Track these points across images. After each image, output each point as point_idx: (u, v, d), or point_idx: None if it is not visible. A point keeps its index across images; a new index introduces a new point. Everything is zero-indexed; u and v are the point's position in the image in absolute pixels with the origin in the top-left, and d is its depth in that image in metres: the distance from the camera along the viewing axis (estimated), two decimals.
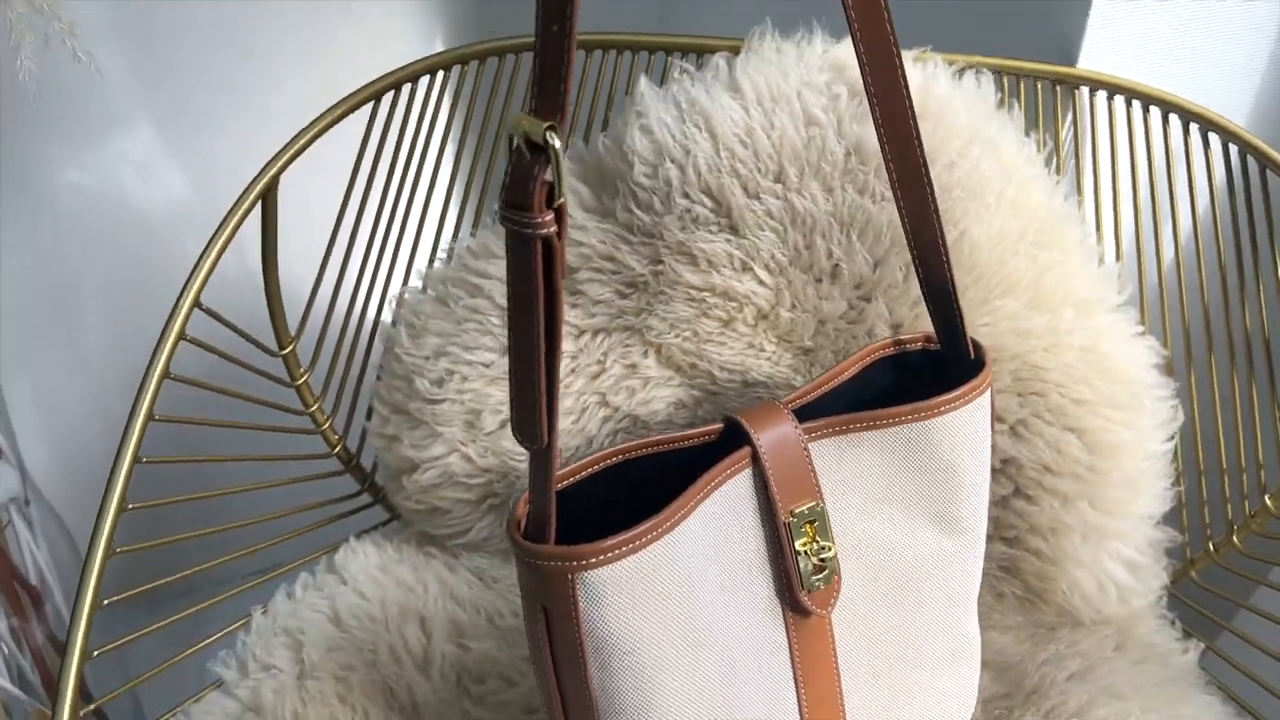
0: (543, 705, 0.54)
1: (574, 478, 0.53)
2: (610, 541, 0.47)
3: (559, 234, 0.38)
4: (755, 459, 0.53)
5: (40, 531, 1.05)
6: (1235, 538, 0.79)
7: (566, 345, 0.78)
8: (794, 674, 0.56)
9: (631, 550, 0.48)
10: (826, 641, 0.57)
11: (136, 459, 0.68)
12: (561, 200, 0.38)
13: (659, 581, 0.49)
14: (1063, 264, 0.74)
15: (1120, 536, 0.74)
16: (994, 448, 0.73)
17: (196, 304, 0.72)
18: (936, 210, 0.57)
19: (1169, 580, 0.80)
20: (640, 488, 0.53)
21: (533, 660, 0.52)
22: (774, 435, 0.53)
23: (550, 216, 0.37)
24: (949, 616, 0.61)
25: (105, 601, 0.65)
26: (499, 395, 0.78)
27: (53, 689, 0.79)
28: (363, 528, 0.88)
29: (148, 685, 0.70)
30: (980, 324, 0.72)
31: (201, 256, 0.72)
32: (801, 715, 0.57)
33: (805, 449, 0.54)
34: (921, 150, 0.56)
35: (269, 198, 0.76)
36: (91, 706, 0.65)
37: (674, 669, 0.50)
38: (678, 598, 0.49)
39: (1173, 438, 0.75)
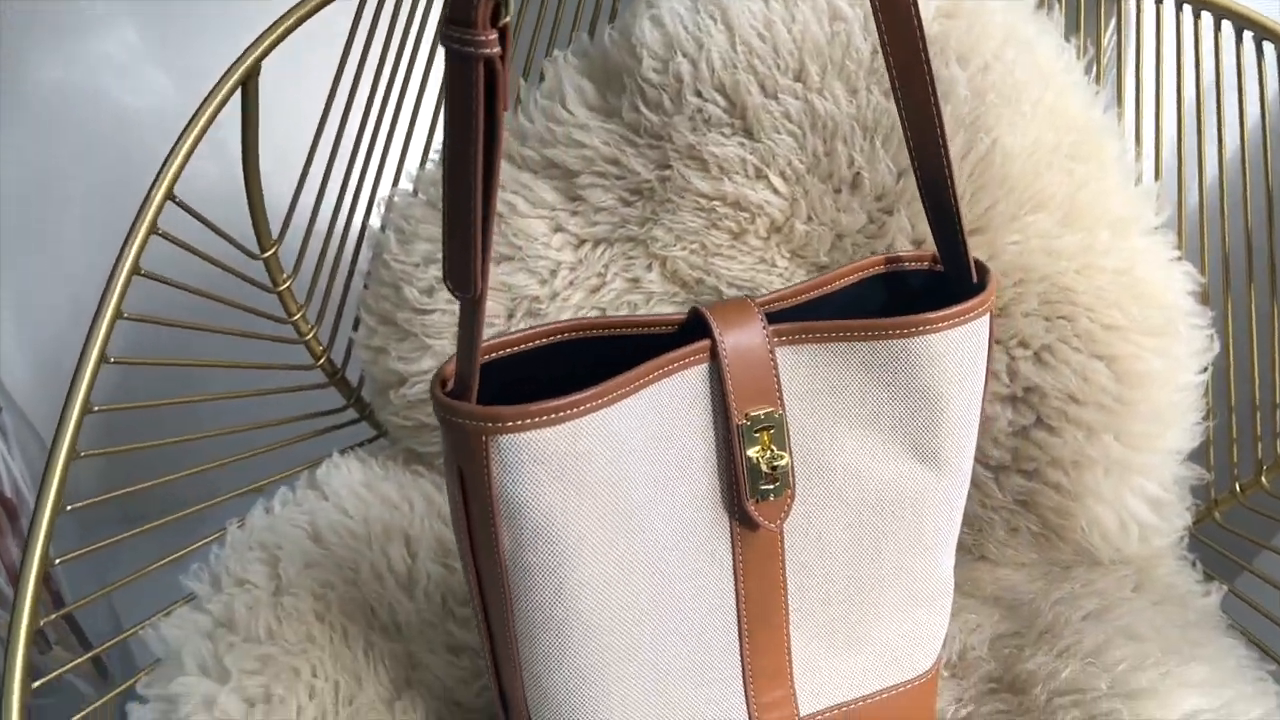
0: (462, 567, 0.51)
1: (520, 346, 0.50)
2: (534, 407, 0.43)
3: (502, 57, 0.34)
4: (714, 354, 0.48)
5: (14, 442, 1.01)
6: (1264, 478, 0.75)
7: (565, 256, 0.73)
8: (735, 589, 0.52)
9: (556, 420, 0.44)
10: (775, 560, 0.53)
11: (103, 358, 0.63)
12: (507, 20, 0.34)
13: (586, 460, 0.45)
14: (1100, 180, 0.69)
15: (1145, 472, 0.70)
16: (1015, 374, 0.69)
17: (170, 196, 0.67)
18: (937, 105, 0.51)
19: (1192, 520, 0.76)
20: (595, 374, 0.48)
21: (453, 529, 0.49)
22: (740, 333, 0.49)
23: (494, 35, 0.34)
24: (916, 555, 0.56)
25: (69, 507, 0.61)
26: (491, 307, 0.73)
27: None
28: (347, 445, 0.84)
29: (131, 606, 0.66)
30: (1009, 242, 0.68)
31: (176, 144, 0.67)
32: (740, 629, 0.53)
33: (771, 352, 0.49)
34: (922, 34, 0.49)
35: (249, 86, 0.71)
36: (53, 615, 0.61)
37: (595, 554, 0.46)
38: (606, 481, 0.46)
39: (1206, 369, 0.71)
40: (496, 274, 0.73)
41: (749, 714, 0.56)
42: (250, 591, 0.66)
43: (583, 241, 0.73)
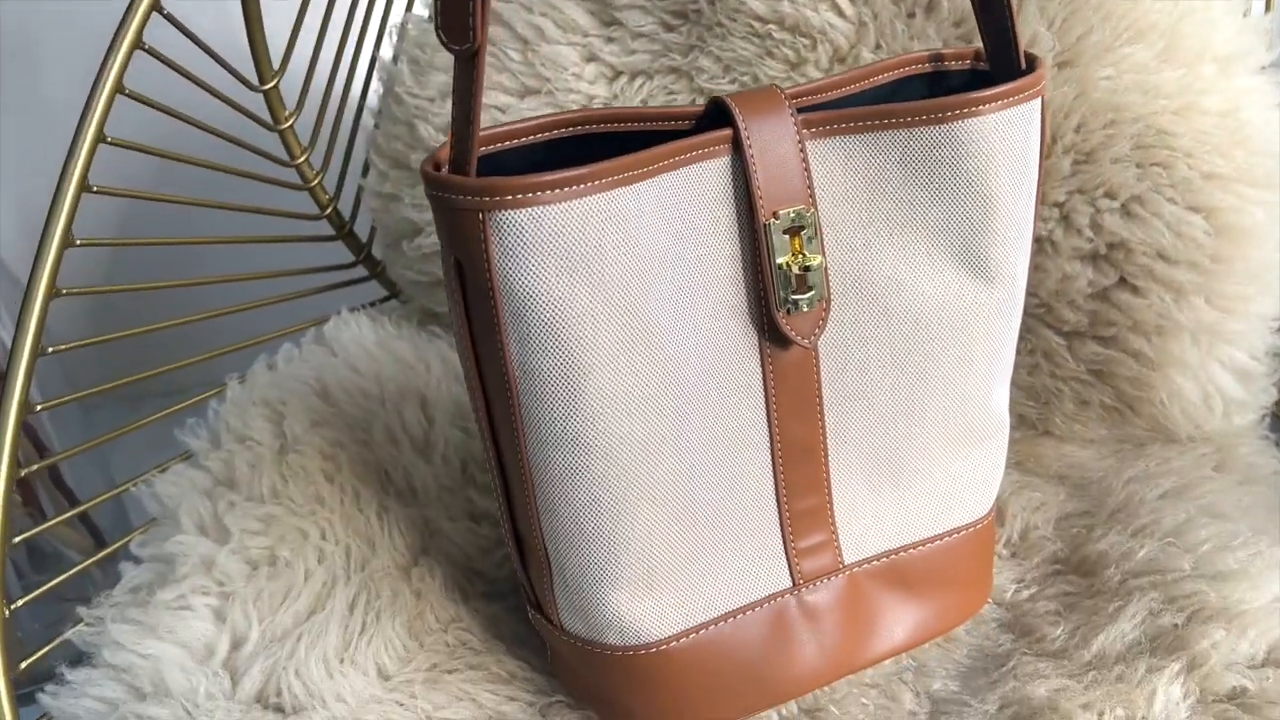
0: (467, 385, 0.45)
1: (524, 139, 0.44)
2: (536, 178, 0.37)
3: None
4: (738, 145, 0.42)
5: (4, 308, 0.96)
6: None
7: (599, 89, 0.65)
8: (768, 418, 0.47)
9: (563, 196, 0.38)
10: (811, 384, 0.47)
11: (84, 186, 0.56)
12: None
13: (596, 250, 0.39)
14: (1205, 10, 0.61)
15: (1235, 340, 0.64)
16: (1100, 228, 0.63)
17: (156, 7, 0.59)
18: None
19: (1278, 397, 0.70)
20: None
21: (454, 337, 0.43)
22: (766, 122, 0.43)
23: None
24: (967, 381, 0.50)
25: (50, 349, 0.55)
26: None
27: None
28: (356, 305, 0.78)
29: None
30: (1101, 77, 0.60)
31: None
32: (774, 464, 0.48)
33: (801, 145, 0.43)
34: None
35: None
36: (36, 465, 0.55)
37: (610, 363, 0.41)
38: (620, 278, 0.40)
39: None
40: (520, 107, 0.65)
41: (787, 561, 0.51)
42: (253, 448, 0.60)
43: (619, 73, 0.65)
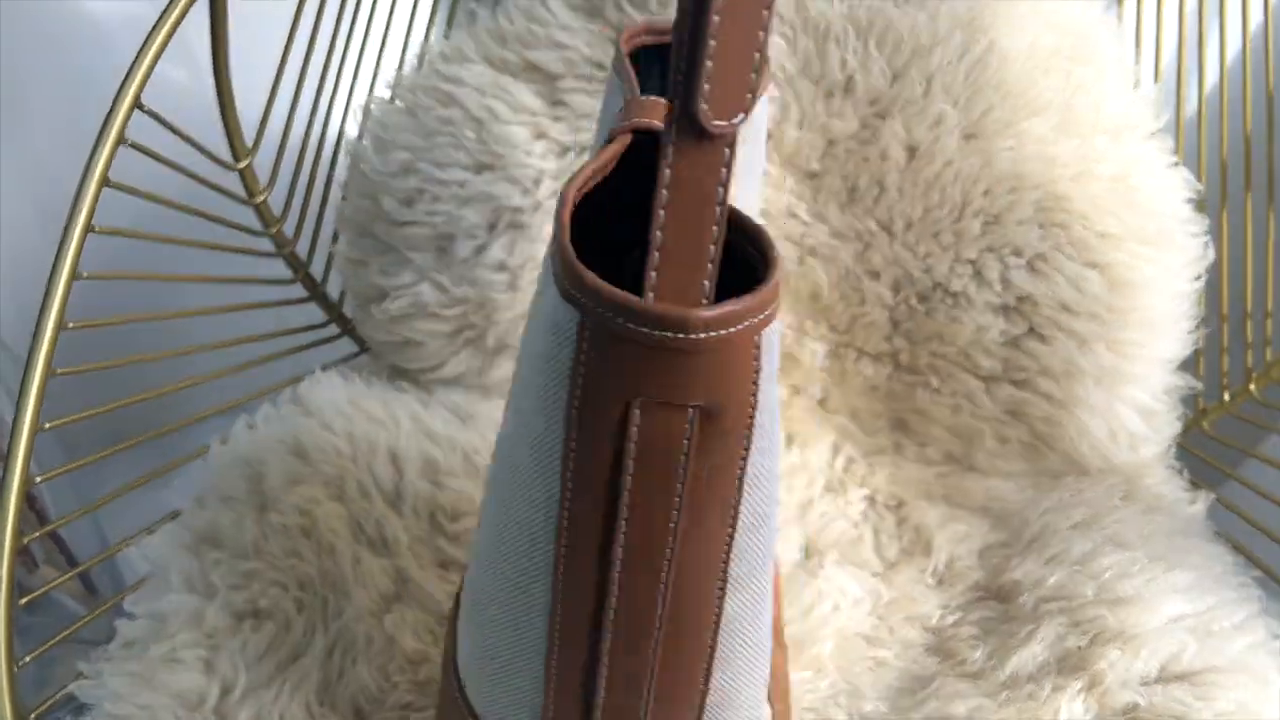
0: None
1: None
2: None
3: None
4: None
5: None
6: (1253, 385, 0.75)
7: (549, 164, 0.71)
8: None
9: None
10: None
11: (75, 273, 0.61)
12: None
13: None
14: (1098, 84, 0.67)
15: (1136, 381, 0.70)
16: (1008, 283, 0.69)
17: (138, 104, 0.64)
18: None
19: (1181, 430, 0.76)
20: None
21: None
22: None
23: None
24: None
25: (47, 425, 0.60)
26: (473, 218, 0.71)
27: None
28: (330, 362, 0.83)
29: (118, 529, 0.66)
30: (1004, 148, 0.66)
31: (142, 49, 0.64)
32: None
33: None
34: None
35: None
36: (37, 533, 0.60)
37: None
38: None
39: (1200, 277, 0.70)
40: (476, 182, 0.71)
41: None
42: (235, 507, 0.65)
43: (566, 149, 0.71)
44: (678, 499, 0.31)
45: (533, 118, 0.70)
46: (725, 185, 0.26)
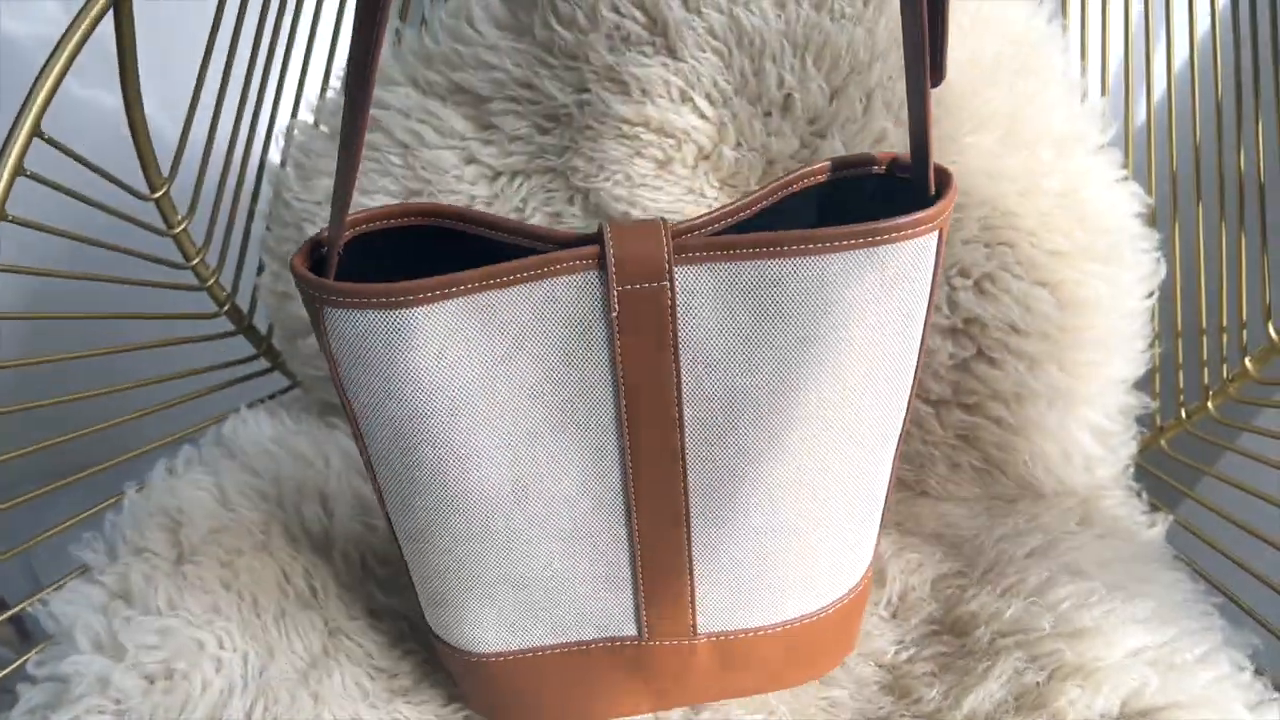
0: None
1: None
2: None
3: None
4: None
5: None
6: (1210, 403, 0.73)
7: (480, 190, 0.68)
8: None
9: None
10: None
11: None
12: None
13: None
14: (1042, 95, 0.65)
15: (1090, 402, 0.68)
16: (956, 305, 0.66)
17: (38, 132, 0.61)
18: None
19: (1138, 449, 0.74)
20: None
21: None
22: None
23: None
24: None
25: None
26: None
27: None
28: (262, 396, 0.80)
29: (53, 573, 0.62)
30: (948, 162, 0.63)
31: (40, 75, 0.61)
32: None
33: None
34: None
35: (122, 7, 0.64)
36: None
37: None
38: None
39: (1152, 294, 0.68)
40: None
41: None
42: (149, 560, 0.62)
43: (498, 174, 0.68)
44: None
45: (462, 141, 0.67)
46: None
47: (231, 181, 0.74)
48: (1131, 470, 0.74)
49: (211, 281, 0.76)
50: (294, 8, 0.71)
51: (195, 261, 0.75)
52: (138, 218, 0.70)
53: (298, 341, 0.73)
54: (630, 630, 0.54)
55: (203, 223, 0.75)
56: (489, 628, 0.53)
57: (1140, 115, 0.72)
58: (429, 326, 0.42)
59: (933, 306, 0.47)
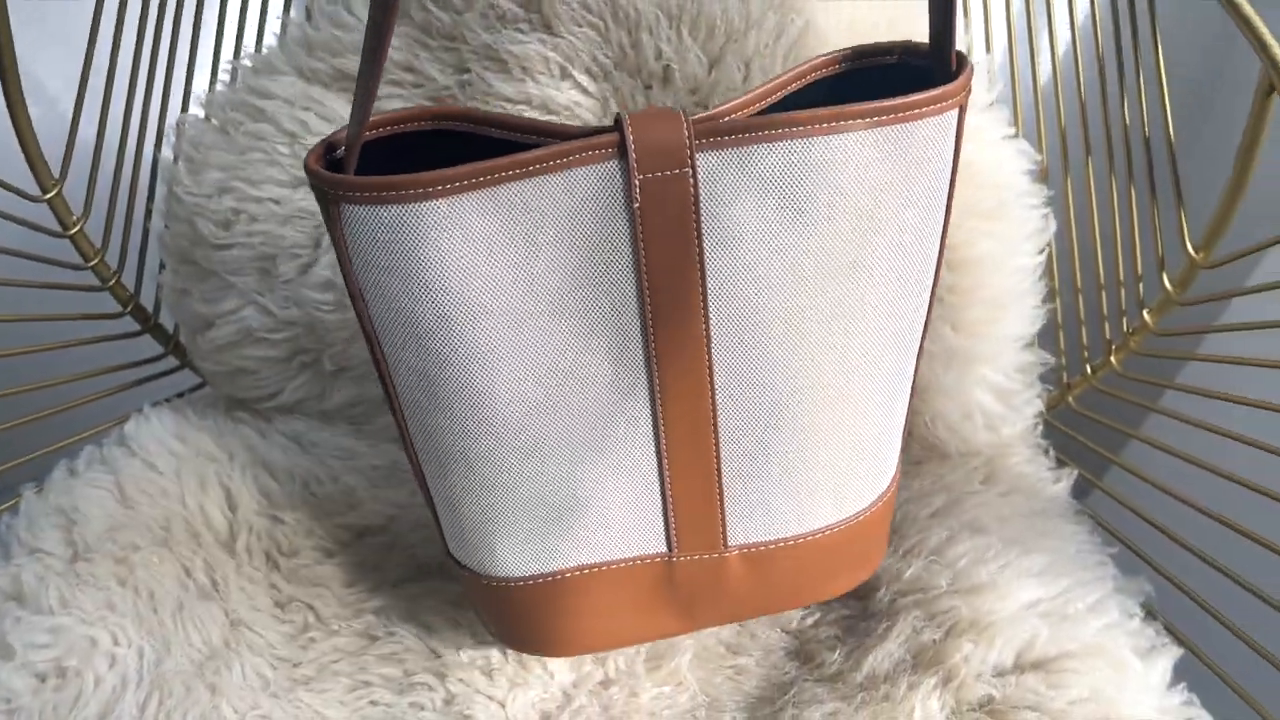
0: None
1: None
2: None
3: None
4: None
5: None
6: (1113, 358, 0.74)
7: None
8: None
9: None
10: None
11: None
12: None
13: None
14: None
15: (986, 361, 0.68)
16: None
17: None
18: None
19: (1044, 407, 0.74)
20: None
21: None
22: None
23: None
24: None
25: None
26: (293, 236, 0.68)
27: None
28: (174, 394, 0.79)
29: None
30: None
31: None
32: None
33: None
34: None
35: None
36: None
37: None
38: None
39: (1043, 250, 0.68)
40: (294, 198, 0.67)
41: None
42: (41, 560, 0.61)
43: None
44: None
45: None
46: None
47: (126, 179, 0.73)
48: (1040, 428, 0.75)
49: (113, 281, 0.76)
50: (175, 3, 0.71)
51: (95, 262, 0.74)
52: (31, 220, 0.70)
53: (197, 337, 0.72)
54: (660, 547, 0.53)
55: (100, 222, 0.74)
56: (518, 551, 0.51)
57: (1026, 72, 0.73)
58: (450, 220, 0.40)
59: (953, 192, 0.47)
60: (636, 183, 0.41)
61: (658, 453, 0.50)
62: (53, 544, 0.62)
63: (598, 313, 0.44)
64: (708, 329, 0.45)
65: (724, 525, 0.53)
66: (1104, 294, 0.73)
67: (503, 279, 0.42)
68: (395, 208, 0.40)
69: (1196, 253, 0.66)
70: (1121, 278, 0.71)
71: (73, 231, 0.73)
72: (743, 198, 0.42)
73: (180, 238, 0.70)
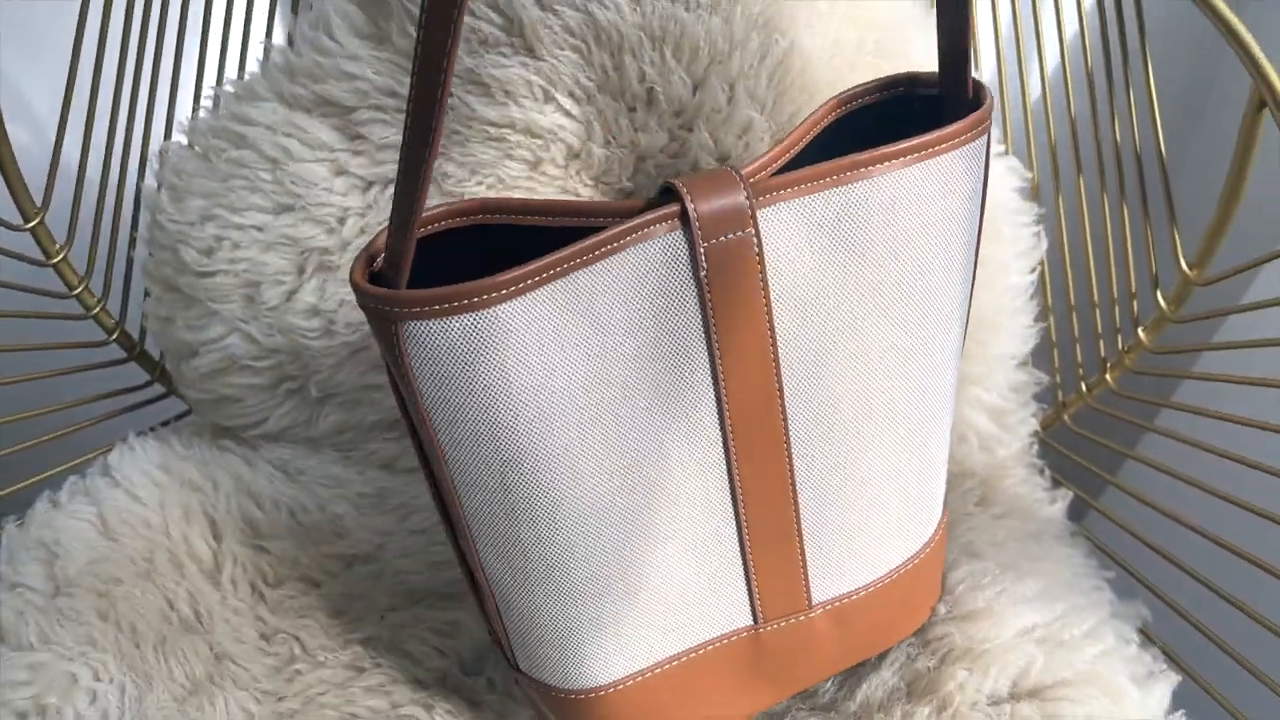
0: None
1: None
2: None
3: None
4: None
5: None
6: (1108, 376, 0.73)
7: (352, 200, 0.67)
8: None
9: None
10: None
11: None
12: None
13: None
14: (905, 71, 0.64)
15: (978, 381, 0.67)
16: None
17: None
18: None
19: (1039, 426, 0.74)
20: None
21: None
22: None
23: None
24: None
25: None
26: (277, 263, 0.67)
27: None
28: (159, 422, 0.79)
29: None
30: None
31: None
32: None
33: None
34: None
35: None
36: None
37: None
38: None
39: (1034, 269, 0.67)
40: (276, 225, 0.67)
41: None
42: (22, 595, 0.60)
43: (370, 183, 0.67)
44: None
45: (331, 154, 0.66)
46: None
47: (109, 206, 0.73)
48: (1035, 448, 0.74)
49: (98, 309, 0.75)
50: (157, 27, 0.70)
51: (79, 290, 0.74)
52: (13, 250, 0.69)
53: (182, 365, 0.72)
54: (746, 620, 0.52)
55: (83, 250, 0.74)
56: (606, 655, 0.49)
57: (1015, 89, 0.72)
58: (521, 322, 0.39)
59: (984, 214, 0.47)
60: (702, 251, 0.41)
61: (737, 523, 0.49)
62: (34, 578, 0.61)
63: (672, 390, 0.43)
64: (780, 386, 0.45)
65: (808, 585, 0.52)
66: (1098, 311, 0.72)
67: (578, 370, 0.41)
68: (468, 316, 0.38)
69: (1190, 269, 0.65)
70: (1115, 295, 0.71)
71: (56, 260, 0.72)
72: (804, 249, 0.42)
73: (164, 265, 0.70)
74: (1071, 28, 0.72)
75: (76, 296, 0.74)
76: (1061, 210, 0.71)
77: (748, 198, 0.41)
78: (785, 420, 0.46)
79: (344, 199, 0.67)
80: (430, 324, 0.38)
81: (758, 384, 0.45)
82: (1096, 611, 0.58)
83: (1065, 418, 0.75)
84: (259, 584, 0.66)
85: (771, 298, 0.43)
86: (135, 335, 0.78)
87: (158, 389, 0.79)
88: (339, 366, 0.70)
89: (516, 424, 0.40)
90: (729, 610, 0.52)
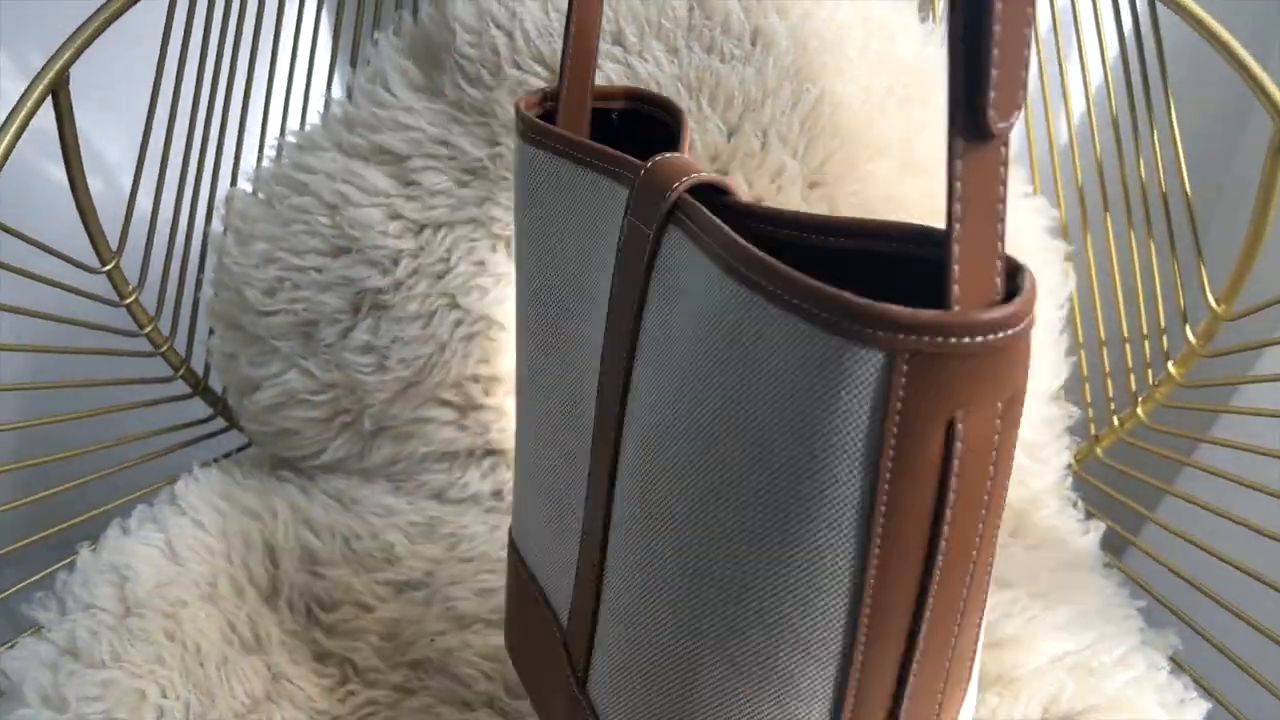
0: None
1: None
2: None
3: None
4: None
5: None
6: (1140, 410, 0.74)
7: (405, 243, 0.71)
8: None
9: (545, 145, 0.44)
10: None
11: None
12: None
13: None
14: (939, 120, 0.67)
15: None
16: None
17: None
18: None
19: (1073, 459, 0.75)
20: None
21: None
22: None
23: None
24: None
25: None
26: (334, 303, 0.71)
27: None
28: (222, 454, 0.82)
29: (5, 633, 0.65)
30: (849, 192, 0.66)
31: None
32: None
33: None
34: None
35: (60, 95, 0.68)
36: None
37: None
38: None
39: (1063, 305, 0.69)
40: (333, 266, 0.70)
41: None
42: (95, 616, 0.64)
43: (422, 227, 0.71)
44: (986, 498, 0.30)
45: (386, 199, 0.70)
46: (1005, 183, 0.27)
47: (178, 250, 0.77)
48: (1069, 480, 0.75)
49: (166, 347, 0.79)
50: (226, 82, 0.75)
51: (149, 329, 0.78)
52: (91, 291, 0.74)
53: (244, 400, 0.75)
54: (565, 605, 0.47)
55: (153, 292, 0.78)
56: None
57: (1042, 131, 0.74)
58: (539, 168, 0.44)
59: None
60: (624, 222, 0.38)
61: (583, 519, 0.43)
62: (106, 600, 0.65)
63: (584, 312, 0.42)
64: (616, 459, 0.39)
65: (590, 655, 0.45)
66: (1128, 347, 0.73)
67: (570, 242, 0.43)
68: (539, 152, 0.44)
69: (1218, 305, 0.67)
70: (1145, 331, 0.72)
71: (129, 301, 0.77)
72: (682, 309, 0.35)
73: (228, 304, 0.74)
74: (1096, 74, 0.74)
75: (146, 335, 0.79)
76: (1089, 248, 0.73)
77: (670, 200, 0.35)
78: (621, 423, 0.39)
79: (398, 241, 0.70)
80: (527, 148, 0.45)
81: (618, 367, 0.39)
82: (1127, 639, 0.59)
83: (1098, 450, 0.76)
84: (314, 608, 0.69)
85: (642, 326, 0.37)
86: (200, 372, 0.82)
87: (220, 423, 0.84)
88: (391, 401, 0.73)
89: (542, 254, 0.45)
90: (561, 585, 0.48)
